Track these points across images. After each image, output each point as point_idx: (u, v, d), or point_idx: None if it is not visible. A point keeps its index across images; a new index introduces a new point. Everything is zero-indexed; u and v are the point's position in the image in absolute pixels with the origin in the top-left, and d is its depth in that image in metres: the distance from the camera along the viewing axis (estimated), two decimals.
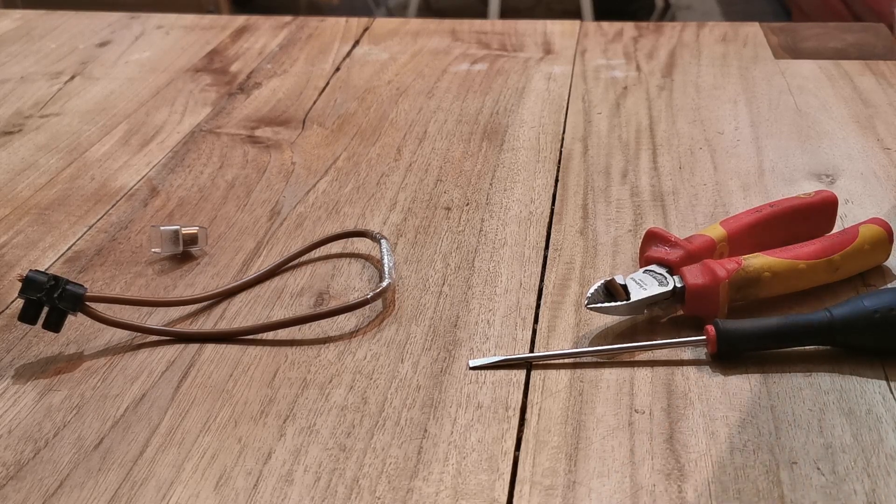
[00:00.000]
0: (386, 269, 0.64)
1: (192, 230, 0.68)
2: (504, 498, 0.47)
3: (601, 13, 3.15)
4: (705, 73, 0.99)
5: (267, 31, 1.16)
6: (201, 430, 0.52)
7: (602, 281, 0.59)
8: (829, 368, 0.55)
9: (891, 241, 0.63)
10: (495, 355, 0.57)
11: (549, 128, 0.88)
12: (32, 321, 0.58)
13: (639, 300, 0.58)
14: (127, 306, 0.62)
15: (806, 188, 0.75)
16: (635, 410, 0.52)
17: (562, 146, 0.84)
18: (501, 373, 0.56)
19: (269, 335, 0.60)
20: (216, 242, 0.71)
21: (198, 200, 0.77)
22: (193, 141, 0.87)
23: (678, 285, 0.59)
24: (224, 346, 0.59)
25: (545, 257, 0.67)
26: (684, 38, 1.09)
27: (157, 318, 0.62)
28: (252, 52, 1.09)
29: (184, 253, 0.69)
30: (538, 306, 0.62)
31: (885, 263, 0.64)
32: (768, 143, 0.83)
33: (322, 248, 0.69)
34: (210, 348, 0.59)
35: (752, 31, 1.11)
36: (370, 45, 1.10)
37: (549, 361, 0.56)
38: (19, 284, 0.57)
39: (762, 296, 0.60)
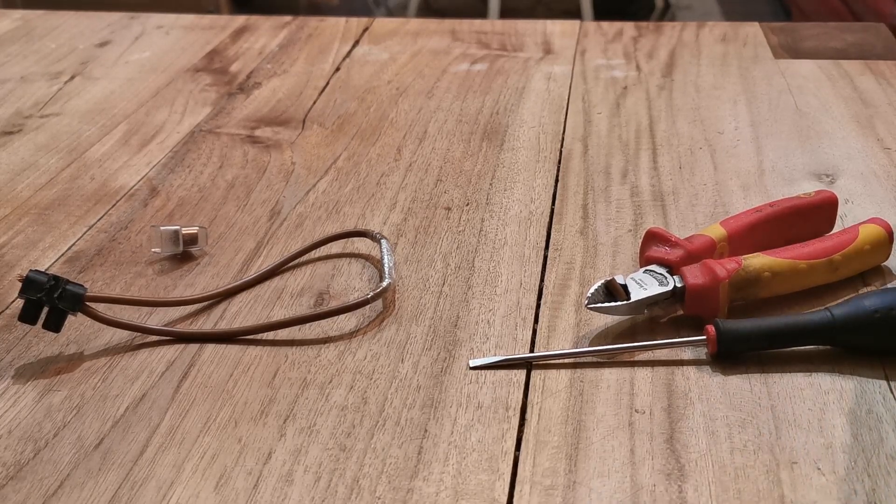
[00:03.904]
0: (386, 269, 0.64)
1: (192, 230, 0.68)
2: (504, 498, 0.47)
3: (601, 13, 3.15)
4: (705, 73, 0.99)
5: (267, 31, 1.16)
6: (201, 430, 0.52)
7: (602, 281, 0.59)
8: (829, 368, 0.55)
9: (891, 241, 0.63)
10: (495, 355, 0.57)
11: (549, 128, 0.88)
12: (32, 321, 0.58)
13: (639, 300, 0.58)
14: (127, 306, 0.62)
15: (806, 188, 0.75)
16: (635, 410, 0.52)
17: (562, 146, 0.84)
18: (501, 373, 0.56)
19: (269, 335, 0.60)
20: (216, 242, 0.71)
21: (198, 200, 0.77)
22: (193, 141, 0.87)
23: (678, 285, 0.59)
24: (224, 346, 0.59)
25: (545, 257, 0.67)
26: (684, 38, 1.09)
27: (157, 318, 0.62)
28: (252, 52, 1.09)
29: (184, 253, 0.69)
30: (538, 306, 0.62)
31: (885, 263, 0.64)
32: (768, 142, 0.83)
33: (322, 248, 0.69)
34: (210, 348, 0.59)
35: (752, 31, 1.11)
36: (370, 45, 1.10)
37: (549, 361, 0.56)
38: (19, 284, 0.57)
39: (762, 296, 0.60)
